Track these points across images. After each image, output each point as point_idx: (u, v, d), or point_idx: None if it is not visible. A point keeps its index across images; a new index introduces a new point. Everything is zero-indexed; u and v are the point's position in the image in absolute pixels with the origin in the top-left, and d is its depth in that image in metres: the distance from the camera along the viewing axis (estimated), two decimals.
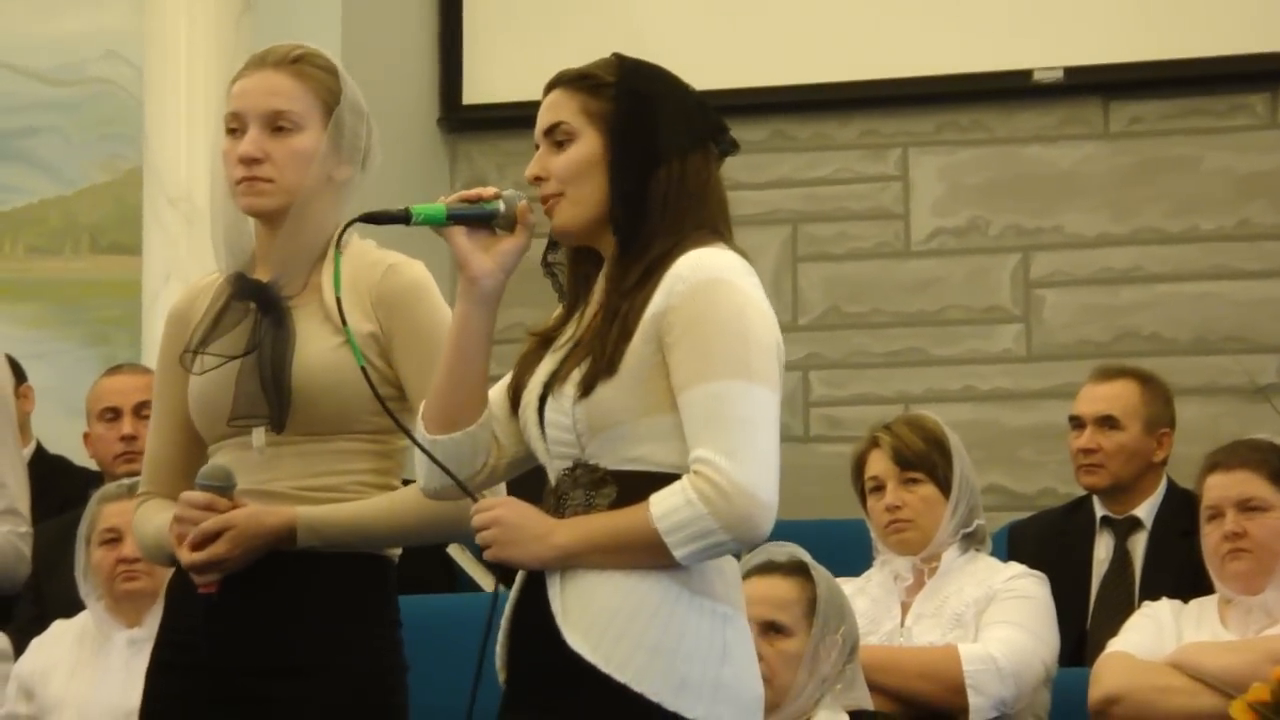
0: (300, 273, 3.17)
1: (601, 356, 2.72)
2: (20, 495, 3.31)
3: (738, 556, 2.86)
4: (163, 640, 3.24)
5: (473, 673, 2.85)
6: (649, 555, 2.69)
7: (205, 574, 3.12)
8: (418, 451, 2.87)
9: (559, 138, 2.81)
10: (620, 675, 2.68)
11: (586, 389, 2.72)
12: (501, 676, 2.84)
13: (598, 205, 2.79)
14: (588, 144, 2.79)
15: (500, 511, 2.75)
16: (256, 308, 3.17)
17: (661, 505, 2.68)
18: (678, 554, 2.68)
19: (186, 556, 3.12)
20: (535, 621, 2.75)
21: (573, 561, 2.72)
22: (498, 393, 2.88)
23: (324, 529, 3.12)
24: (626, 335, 2.72)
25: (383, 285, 3.16)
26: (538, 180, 2.82)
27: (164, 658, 3.22)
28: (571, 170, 2.79)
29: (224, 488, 3.14)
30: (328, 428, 3.13)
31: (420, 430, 2.86)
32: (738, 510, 2.67)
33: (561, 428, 2.76)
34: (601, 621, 2.70)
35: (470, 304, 2.82)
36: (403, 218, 2.81)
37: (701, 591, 2.73)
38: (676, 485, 2.69)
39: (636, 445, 2.73)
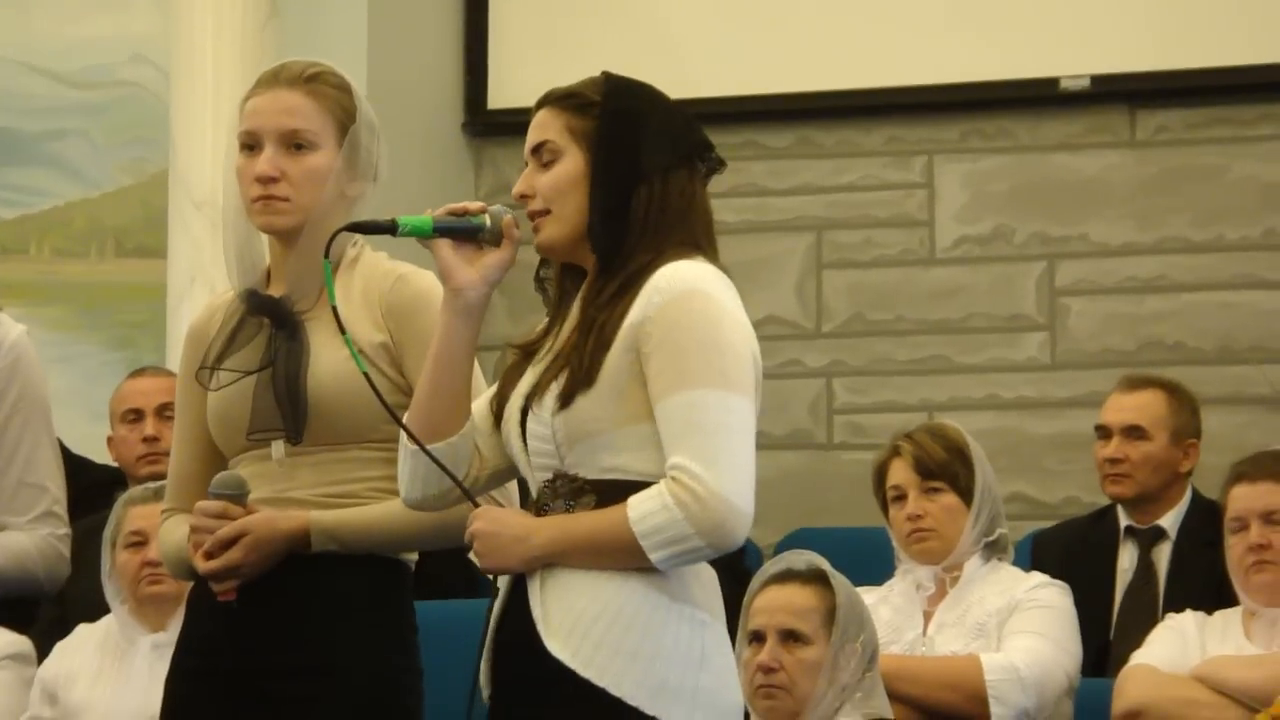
0: (313, 287, 3.19)
1: (580, 368, 2.75)
2: (60, 498, 3.34)
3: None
4: (183, 647, 3.26)
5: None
6: (626, 557, 2.73)
7: (223, 581, 3.14)
8: (400, 461, 2.90)
9: (545, 156, 2.85)
10: (599, 679, 2.71)
11: (565, 400, 2.76)
12: (485, 691, 2.86)
13: (580, 222, 2.82)
14: (571, 162, 2.83)
15: (476, 525, 2.79)
16: (270, 323, 3.20)
17: (639, 509, 2.72)
18: (653, 557, 2.72)
19: (203, 565, 3.14)
20: (517, 629, 2.78)
21: (554, 561, 2.76)
22: (481, 405, 2.92)
23: (338, 532, 3.14)
24: (604, 346, 2.76)
25: (392, 296, 3.18)
26: (524, 198, 2.86)
27: (184, 664, 3.24)
28: (556, 188, 2.83)
29: (237, 495, 3.16)
30: (343, 437, 3.16)
31: (403, 440, 2.88)
32: (714, 517, 2.70)
33: (541, 439, 2.79)
34: (581, 627, 2.73)
35: (453, 316, 2.85)
36: (389, 228, 2.85)
37: (680, 598, 2.76)
38: (654, 489, 2.72)
39: (615, 455, 2.76)
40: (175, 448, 3.35)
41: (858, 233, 6.60)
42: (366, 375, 2.92)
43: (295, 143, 3.19)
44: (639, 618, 2.73)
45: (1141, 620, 4.72)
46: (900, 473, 4.46)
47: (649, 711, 2.70)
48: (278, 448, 3.17)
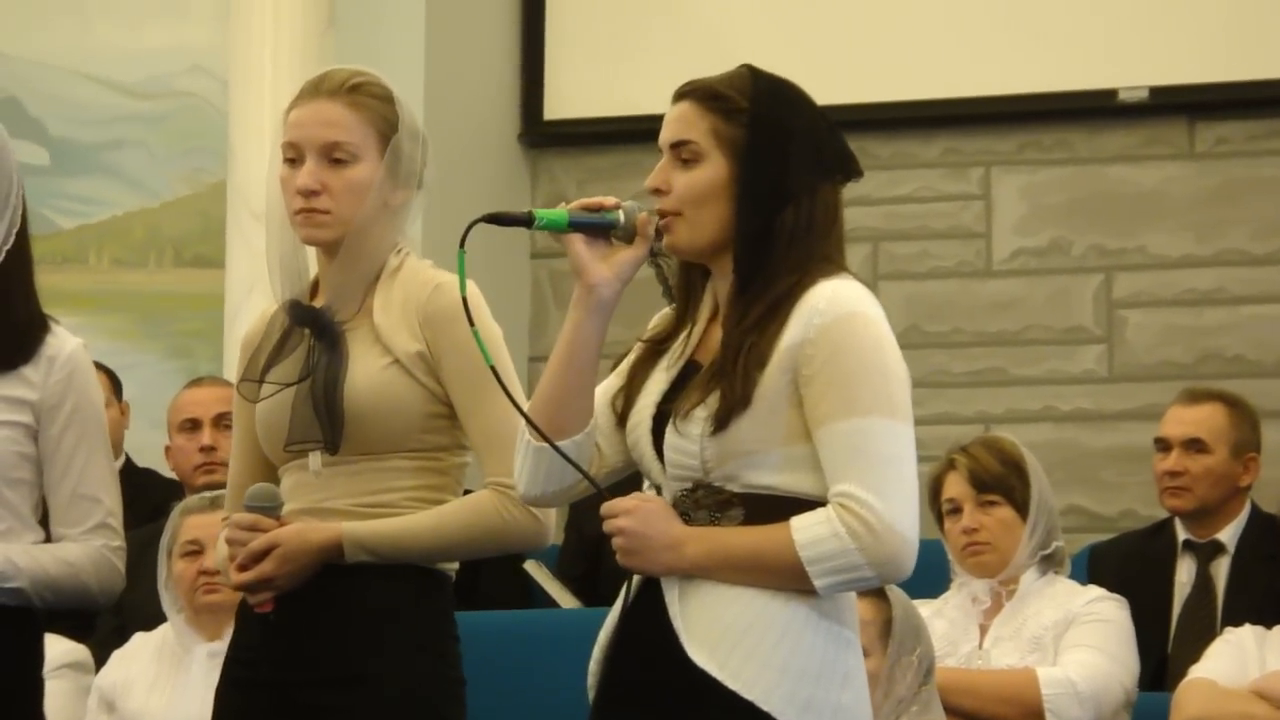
0: (355, 297, 3.20)
1: (733, 391, 2.69)
2: (115, 510, 3.35)
3: None
4: (231, 657, 3.28)
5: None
6: (786, 579, 2.68)
7: (257, 593, 3.15)
8: (520, 457, 2.84)
9: (685, 156, 2.77)
10: (748, 693, 2.66)
11: (721, 423, 2.69)
12: (593, 693, 2.81)
13: (717, 232, 2.76)
14: (714, 169, 2.75)
15: (623, 522, 2.72)
16: (311, 334, 3.20)
17: (807, 533, 2.66)
18: (818, 583, 2.67)
19: (236, 577, 3.16)
20: (649, 635, 2.73)
21: (705, 575, 2.71)
22: (601, 402, 2.85)
23: (370, 542, 3.13)
24: (760, 365, 2.69)
25: (429, 305, 3.16)
26: (657, 192, 2.79)
27: (231, 674, 3.26)
28: (695, 194, 2.76)
29: (270, 508, 3.17)
30: (380, 447, 3.15)
31: (525, 437, 2.83)
32: (887, 549, 2.66)
33: (686, 454, 2.73)
34: (730, 638, 2.68)
35: (584, 312, 2.79)
36: (526, 220, 2.78)
37: (830, 615, 2.72)
38: (821, 514, 2.67)
39: (766, 473, 2.71)
40: (233, 458, 3.36)
41: (914, 244, 6.59)
42: (493, 369, 2.86)
43: (336, 156, 3.18)
44: (789, 632, 2.68)
45: (1200, 634, 4.70)
46: (956, 486, 4.45)
47: None
48: (315, 458, 3.17)
